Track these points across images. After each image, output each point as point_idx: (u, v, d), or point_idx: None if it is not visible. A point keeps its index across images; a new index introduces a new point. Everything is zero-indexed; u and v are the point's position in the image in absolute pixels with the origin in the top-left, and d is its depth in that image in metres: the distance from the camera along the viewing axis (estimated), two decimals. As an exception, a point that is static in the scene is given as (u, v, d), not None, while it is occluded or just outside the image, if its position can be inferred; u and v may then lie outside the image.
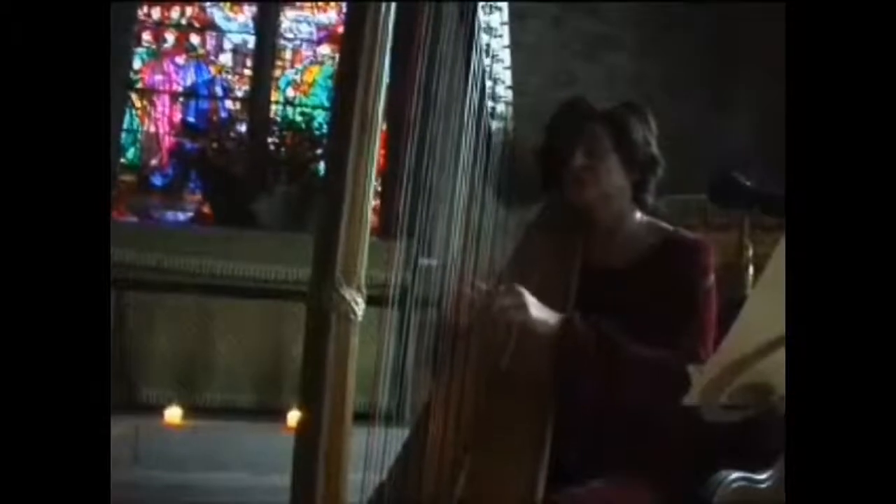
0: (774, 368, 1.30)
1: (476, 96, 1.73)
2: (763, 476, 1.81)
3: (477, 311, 1.76)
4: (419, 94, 1.54)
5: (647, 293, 1.79)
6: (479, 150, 1.76)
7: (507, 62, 1.84)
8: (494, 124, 1.87)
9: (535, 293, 1.76)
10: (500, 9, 1.76)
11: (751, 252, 2.17)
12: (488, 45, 1.78)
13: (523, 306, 1.71)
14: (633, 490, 1.72)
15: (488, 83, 1.83)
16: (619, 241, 1.91)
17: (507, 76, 1.87)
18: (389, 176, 4.03)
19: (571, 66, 4.95)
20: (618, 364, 1.71)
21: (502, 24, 1.78)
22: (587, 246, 1.92)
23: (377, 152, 1.32)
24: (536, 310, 1.72)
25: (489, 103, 1.85)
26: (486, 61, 1.79)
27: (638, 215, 1.93)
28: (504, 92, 1.88)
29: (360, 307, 1.30)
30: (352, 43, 1.32)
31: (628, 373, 1.72)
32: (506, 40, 1.80)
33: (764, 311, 1.27)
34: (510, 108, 1.90)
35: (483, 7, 1.74)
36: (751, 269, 2.16)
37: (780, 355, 1.24)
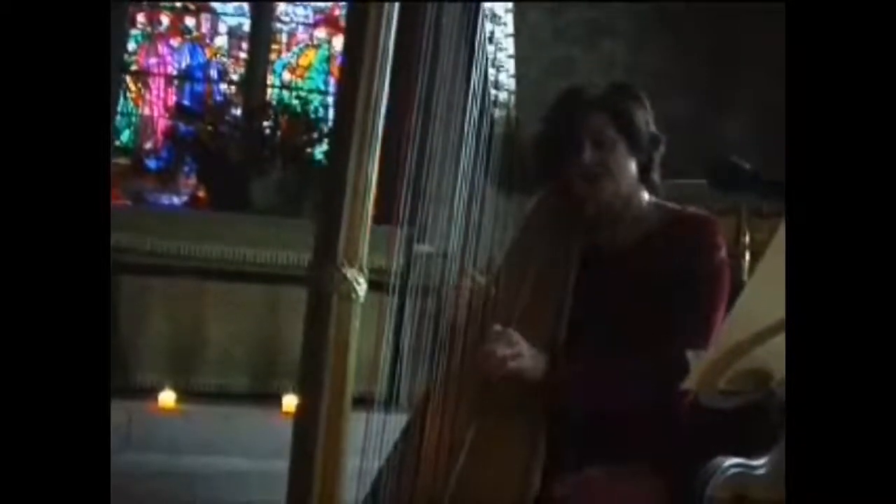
0: (772, 354, 1.30)
1: (479, 84, 1.73)
2: (759, 462, 1.81)
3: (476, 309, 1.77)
4: (423, 82, 1.53)
5: (656, 273, 1.80)
6: (481, 138, 1.76)
7: (511, 50, 1.84)
8: (497, 112, 1.87)
9: (534, 283, 1.76)
10: None
11: (748, 239, 2.17)
12: (492, 33, 1.78)
13: (520, 356, 1.72)
14: (631, 477, 1.72)
15: (491, 71, 1.83)
16: (628, 222, 1.90)
17: (510, 64, 1.86)
18: (390, 164, 4.01)
19: (570, 55, 4.94)
20: (604, 400, 1.75)
21: (507, 11, 1.78)
22: (594, 228, 1.92)
23: (380, 133, 1.31)
24: (529, 358, 1.73)
25: (492, 91, 1.85)
26: (490, 49, 1.79)
27: (646, 196, 1.93)
28: (507, 80, 1.88)
29: (361, 288, 1.30)
30: (357, 27, 1.32)
31: (616, 400, 1.75)
32: (510, 28, 1.80)
33: (762, 297, 1.27)
34: (513, 97, 1.90)
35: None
36: (748, 256, 2.16)
37: (778, 341, 1.25)
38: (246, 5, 5.38)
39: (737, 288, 1.79)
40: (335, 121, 1.46)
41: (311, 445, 1.29)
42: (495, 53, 1.82)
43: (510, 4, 1.78)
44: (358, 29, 1.32)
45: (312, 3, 5.46)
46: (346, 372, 1.30)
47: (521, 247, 1.95)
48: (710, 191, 1.93)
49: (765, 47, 3.49)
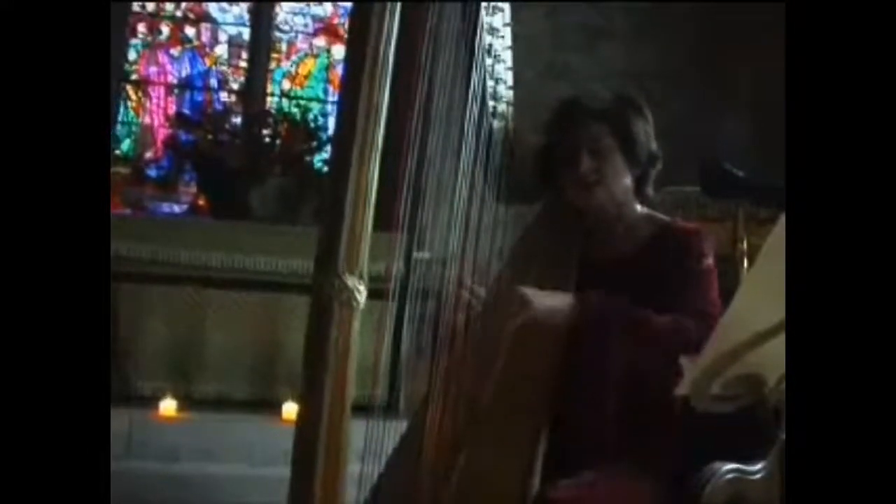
0: (766, 359, 1.30)
1: (478, 96, 1.76)
2: (755, 468, 1.82)
3: (475, 315, 1.78)
4: (422, 91, 1.55)
5: (645, 282, 1.82)
6: (479, 148, 1.79)
7: (509, 62, 1.87)
8: (495, 123, 1.89)
9: (534, 287, 1.77)
10: (502, 10, 1.79)
11: (745, 244, 2.18)
12: (490, 46, 1.81)
13: (527, 304, 1.73)
14: (627, 481, 1.74)
15: (490, 83, 1.85)
16: (620, 232, 1.94)
17: (508, 76, 1.89)
18: (391, 171, 4.01)
19: (567, 58, 4.94)
20: (641, 329, 1.75)
21: (504, 24, 1.81)
22: (589, 237, 1.95)
23: (381, 141, 1.33)
24: (541, 301, 1.74)
25: (490, 103, 1.87)
26: (489, 61, 1.82)
27: (637, 207, 1.96)
28: (505, 92, 1.91)
29: (362, 295, 1.31)
30: (358, 36, 1.33)
31: (653, 337, 1.75)
32: (508, 41, 1.83)
33: (755, 301, 1.27)
34: (511, 108, 1.92)
35: (486, 8, 1.76)
36: (745, 262, 2.17)
37: (771, 346, 1.25)
38: (246, 14, 5.40)
39: (730, 293, 1.80)
40: (336, 129, 1.46)
41: (313, 450, 1.30)
42: (493, 65, 1.85)
43: (508, 18, 1.80)
44: (359, 36, 1.34)
45: (312, 11, 5.48)
46: (347, 378, 1.32)
47: (522, 253, 1.98)
48: (704, 196, 1.95)
49: (764, 48, 3.49)
